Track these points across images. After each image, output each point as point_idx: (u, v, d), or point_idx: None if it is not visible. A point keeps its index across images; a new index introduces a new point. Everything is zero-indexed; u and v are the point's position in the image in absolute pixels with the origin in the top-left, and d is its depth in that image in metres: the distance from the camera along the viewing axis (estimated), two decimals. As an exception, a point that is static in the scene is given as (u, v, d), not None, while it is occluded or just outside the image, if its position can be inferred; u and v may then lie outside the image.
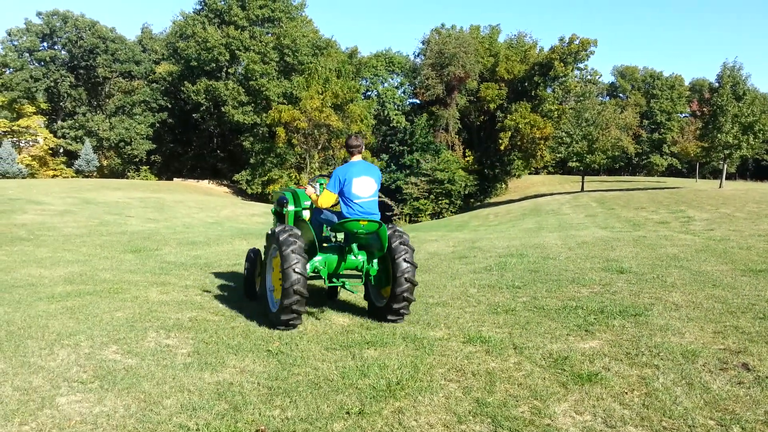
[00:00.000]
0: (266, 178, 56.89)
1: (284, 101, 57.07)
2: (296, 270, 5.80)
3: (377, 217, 6.34)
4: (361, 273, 6.70)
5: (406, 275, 6.22)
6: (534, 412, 4.05)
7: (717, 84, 46.56)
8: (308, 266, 6.23)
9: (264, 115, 56.94)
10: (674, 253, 10.86)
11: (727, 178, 53.60)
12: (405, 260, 6.24)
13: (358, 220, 6.22)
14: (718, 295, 7.19)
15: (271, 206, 8.13)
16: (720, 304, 6.77)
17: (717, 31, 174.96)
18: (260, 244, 14.41)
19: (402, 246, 6.33)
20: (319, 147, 56.86)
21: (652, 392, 4.31)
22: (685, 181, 68.66)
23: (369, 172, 6.44)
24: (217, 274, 9.86)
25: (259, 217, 30.77)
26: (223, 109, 58.98)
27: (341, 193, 6.38)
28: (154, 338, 5.82)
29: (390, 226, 6.58)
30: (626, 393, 4.33)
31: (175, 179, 65.18)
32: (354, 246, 6.53)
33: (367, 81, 74.23)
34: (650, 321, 6.13)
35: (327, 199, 6.45)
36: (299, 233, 6.20)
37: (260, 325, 6.29)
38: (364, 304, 7.21)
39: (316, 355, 5.32)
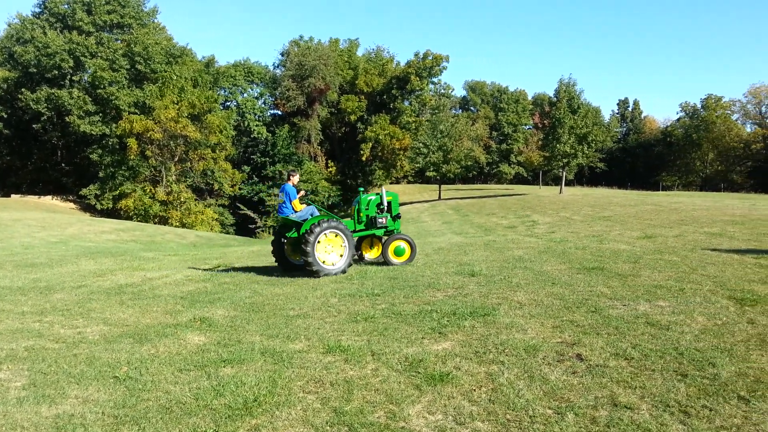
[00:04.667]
0: (117, 192, 53.34)
1: (136, 111, 53.93)
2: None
3: (284, 214, 10.95)
4: None
5: (302, 245, 10.22)
6: (389, 416, 4.16)
7: (555, 98, 50.93)
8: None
9: (114, 125, 53.38)
10: (520, 255, 11.65)
11: (566, 185, 58.63)
12: (304, 238, 10.18)
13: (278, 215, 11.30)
14: (557, 293, 7.81)
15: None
16: (558, 300, 7.36)
17: (555, 48, 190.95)
18: (109, 264, 13.52)
19: (308, 231, 10.20)
20: (176, 159, 54.39)
21: (497, 387, 4.59)
22: (531, 188, 73.94)
23: (283, 189, 11.18)
24: (60, 298, 9.10)
25: (109, 234, 28.80)
26: (67, 119, 54.50)
27: None
28: (-18, 373, 5.26)
29: (323, 222, 10.39)
30: (474, 390, 4.57)
31: (12, 195, 59.32)
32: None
33: (225, 91, 72.31)
34: (497, 320, 6.52)
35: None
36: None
37: (106, 351, 5.89)
38: (223, 320, 7.16)
39: (168, 378, 5.08)
